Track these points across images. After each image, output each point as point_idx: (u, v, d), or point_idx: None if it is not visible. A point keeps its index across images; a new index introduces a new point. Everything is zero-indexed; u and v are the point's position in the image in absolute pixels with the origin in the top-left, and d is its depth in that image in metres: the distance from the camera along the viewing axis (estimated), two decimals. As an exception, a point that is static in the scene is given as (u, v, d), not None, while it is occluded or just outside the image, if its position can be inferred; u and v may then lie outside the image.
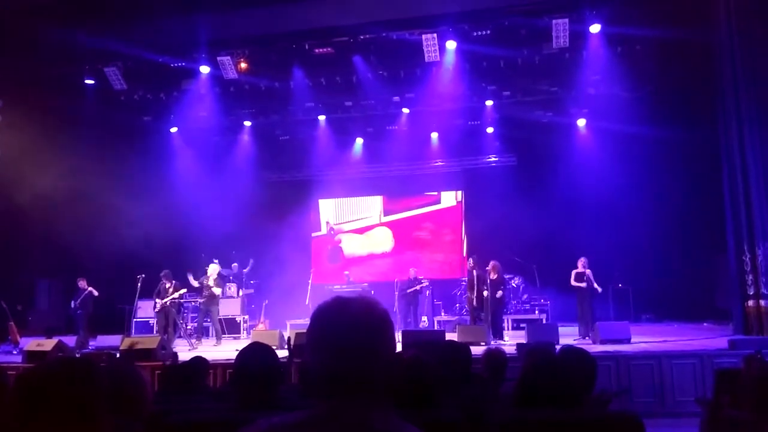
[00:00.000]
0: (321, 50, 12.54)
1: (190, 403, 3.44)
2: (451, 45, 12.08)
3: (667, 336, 10.44)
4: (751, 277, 10.19)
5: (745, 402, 4.95)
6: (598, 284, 11.13)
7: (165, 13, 10.90)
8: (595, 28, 11.71)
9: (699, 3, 10.67)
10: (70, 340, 10.33)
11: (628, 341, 9.42)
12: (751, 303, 10.13)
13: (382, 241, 17.18)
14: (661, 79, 12.91)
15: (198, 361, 4.52)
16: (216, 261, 12.59)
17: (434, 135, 16.15)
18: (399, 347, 8.84)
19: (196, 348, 11.18)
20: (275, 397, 2.55)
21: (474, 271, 11.32)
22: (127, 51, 11.79)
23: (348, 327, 1.41)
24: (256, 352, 2.58)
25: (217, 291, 11.92)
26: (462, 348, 4.45)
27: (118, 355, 9.26)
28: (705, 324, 12.09)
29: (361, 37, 12.15)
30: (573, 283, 11.12)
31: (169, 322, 11.54)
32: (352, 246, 17.33)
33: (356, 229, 17.43)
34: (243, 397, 2.59)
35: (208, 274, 11.98)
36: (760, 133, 10.08)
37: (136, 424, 2.14)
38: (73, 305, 12.15)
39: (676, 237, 13.46)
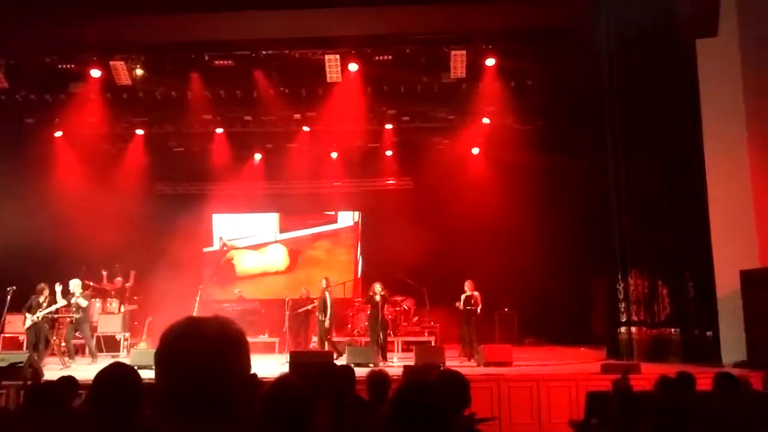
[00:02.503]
0: (221, 62, 12.31)
1: (47, 425, 3.22)
2: (353, 67, 12.19)
3: (546, 360, 10.89)
4: (623, 304, 10.88)
5: (611, 423, 5.25)
6: (483, 308, 11.53)
7: (55, 10, 10.31)
8: (490, 62, 12.21)
9: (582, 43, 11.37)
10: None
11: (510, 364, 9.73)
12: (623, 329, 10.80)
13: (276, 258, 16.94)
14: (551, 112, 13.65)
15: (66, 380, 4.24)
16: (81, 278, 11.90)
17: (334, 155, 16.19)
18: (286, 368, 8.70)
19: (69, 366, 10.48)
20: (134, 421, 2.41)
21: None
22: (10, 48, 11.05)
23: (198, 347, 1.37)
24: (116, 373, 2.44)
25: (83, 304, 11.26)
26: (344, 370, 4.45)
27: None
28: (582, 348, 12.72)
29: (264, 52, 12.04)
30: (461, 306, 11.43)
31: (40, 338, 10.77)
32: (245, 263, 16.97)
33: (250, 245, 17.09)
34: (100, 421, 2.45)
35: (71, 290, 11.31)
36: (634, 167, 10.86)
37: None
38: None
39: (560, 264, 14.14)
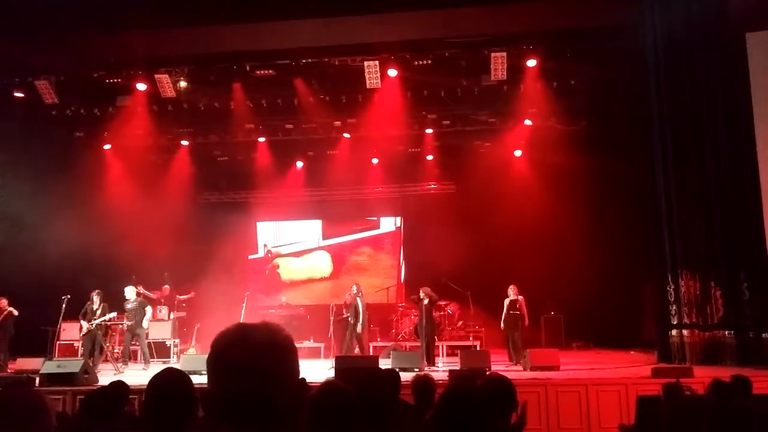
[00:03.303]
0: (262, 72, 12.49)
1: (105, 430, 3.30)
2: (392, 72, 12.22)
3: (594, 364, 10.68)
4: (674, 307, 10.60)
5: (662, 428, 5.10)
6: (529, 312, 11.41)
7: (101, 27, 10.63)
8: (531, 63, 12.08)
9: (626, 41, 11.14)
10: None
11: (557, 368, 9.59)
12: (674, 332, 10.52)
13: (320, 265, 17.06)
14: (595, 113, 13.40)
15: (117, 385, 4.34)
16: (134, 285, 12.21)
17: (375, 160, 16.24)
18: (332, 373, 8.75)
19: (122, 372, 10.75)
20: (187, 426, 2.45)
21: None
22: (59, 64, 11.44)
23: (248, 352, 1.38)
24: (169, 378, 2.49)
25: (148, 311, 11.58)
26: (389, 375, 4.45)
27: (37, 379, 8.85)
28: (632, 352, 12.44)
29: (303, 60, 12.17)
30: (507, 311, 11.36)
31: (95, 345, 11.10)
32: (290, 269, 17.14)
33: (294, 252, 17.26)
34: (154, 426, 2.49)
35: (127, 297, 11.62)
36: (684, 166, 10.58)
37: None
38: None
39: (607, 267, 13.85)
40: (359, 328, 11.75)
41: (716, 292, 10.20)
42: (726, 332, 10.01)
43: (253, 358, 1.38)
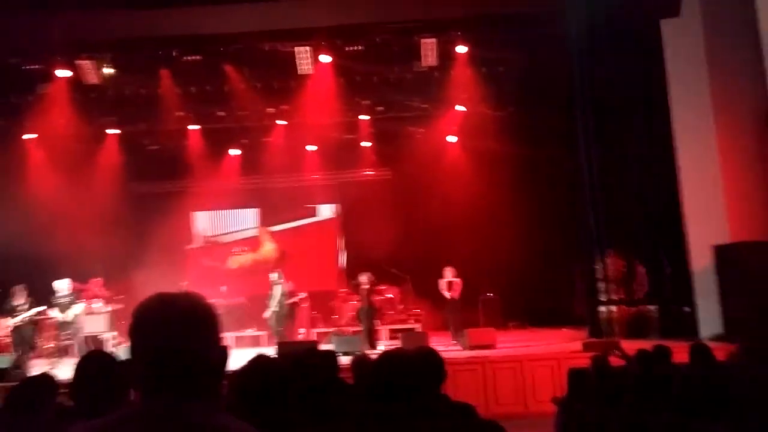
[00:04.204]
0: (190, 58, 12.17)
1: (23, 425, 3.20)
2: (324, 58, 12.14)
3: (529, 341, 11.02)
4: (602, 284, 11.06)
5: (592, 397, 5.32)
6: (467, 293, 11.68)
7: (16, 9, 10.10)
8: (461, 49, 12.23)
9: (552, 28, 11.43)
10: None
11: (494, 347, 9.84)
12: (603, 308, 10.98)
13: (258, 254, 16.87)
14: (522, 99, 13.71)
15: (43, 377, 4.19)
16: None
17: (310, 147, 16.13)
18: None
19: (57, 367, 10.39)
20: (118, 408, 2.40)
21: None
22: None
23: (168, 320, 1.38)
24: (95, 361, 2.44)
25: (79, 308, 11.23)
26: (326, 354, 4.47)
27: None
28: (564, 329, 12.87)
29: (232, 46, 11.94)
30: (445, 292, 11.56)
31: (26, 340, 10.70)
32: (228, 259, 16.87)
33: (232, 242, 17.00)
34: (82, 414, 2.43)
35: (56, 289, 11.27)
36: (607, 149, 11.02)
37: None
38: None
39: (539, 248, 14.24)
40: (270, 316, 11.81)
41: (640, 269, 10.70)
42: (650, 306, 10.54)
43: (173, 324, 1.37)
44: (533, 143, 13.57)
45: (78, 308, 11.29)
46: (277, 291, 11.97)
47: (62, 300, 11.12)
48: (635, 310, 10.69)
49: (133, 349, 1.39)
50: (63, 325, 11.17)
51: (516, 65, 12.69)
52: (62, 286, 11.35)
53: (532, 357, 8.76)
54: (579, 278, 12.78)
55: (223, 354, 1.45)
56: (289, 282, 13.07)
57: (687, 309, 10.21)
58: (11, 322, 10.59)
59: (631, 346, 8.38)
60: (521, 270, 14.28)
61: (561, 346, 9.99)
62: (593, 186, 11.13)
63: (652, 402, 4.15)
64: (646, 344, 7.12)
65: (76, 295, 11.51)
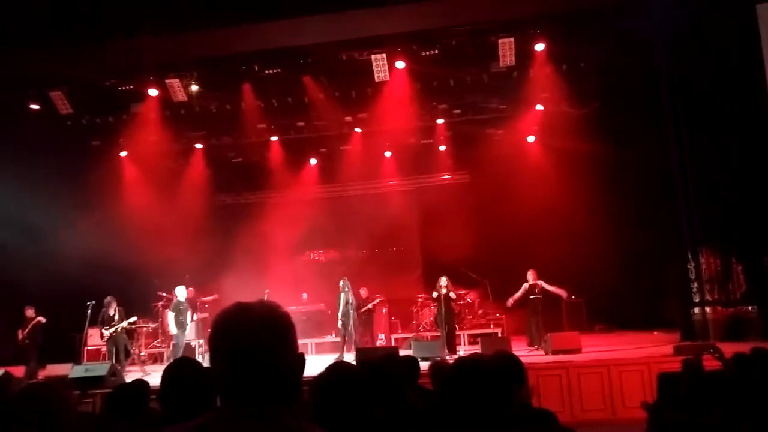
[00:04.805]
0: (270, 71, 12.56)
1: (123, 428, 3.37)
2: (400, 65, 12.22)
3: (617, 345, 10.64)
4: (695, 284, 10.53)
5: (683, 403, 5.09)
6: (548, 297, 11.42)
7: (109, 36, 10.76)
8: (539, 47, 12.01)
9: (636, 24, 11.02)
10: (19, 371, 10.00)
11: (579, 351, 9.56)
12: (696, 310, 10.46)
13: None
14: (606, 95, 13.29)
15: (138, 383, 4.42)
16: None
17: (388, 154, 16.26)
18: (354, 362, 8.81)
19: (149, 374, 10.91)
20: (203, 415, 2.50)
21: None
22: (72, 74, 11.61)
23: (247, 329, 1.43)
24: (183, 368, 2.55)
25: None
26: (407, 361, 4.49)
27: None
28: (655, 333, 12.35)
29: (310, 57, 12.22)
30: (524, 296, 11.37)
31: (120, 349, 11.29)
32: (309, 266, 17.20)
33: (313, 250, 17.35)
34: (174, 416, 2.55)
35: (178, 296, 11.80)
36: (699, 143, 10.49)
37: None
38: (20, 335, 11.77)
39: (627, 248, 13.72)
40: (339, 323, 11.84)
41: (737, 268, 10.14)
42: (749, 307, 9.95)
43: (252, 334, 1.42)
44: (619, 140, 13.05)
45: (193, 315, 11.78)
46: (341, 299, 12.07)
47: (182, 306, 11.59)
48: (732, 311, 10.11)
49: (213, 357, 1.46)
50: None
51: (597, 60, 12.33)
52: (182, 292, 11.83)
53: (620, 361, 8.44)
54: (671, 278, 12.19)
55: (299, 360, 1.50)
56: (363, 288, 13.14)
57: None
58: (107, 332, 11.19)
59: (728, 349, 7.91)
60: (607, 272, 13.78)
61: (651, 350, 9.58)
62: (685, 181, 10.59)
63: (749, 409, 3.92)
64: (745, 347, 6.74)
65: (165, 305, 11.99)
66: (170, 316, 11.33)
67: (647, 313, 13.48)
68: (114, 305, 11.34)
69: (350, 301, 11.92)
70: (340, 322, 11.87)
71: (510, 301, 11.61)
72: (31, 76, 11.62)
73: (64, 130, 13.49)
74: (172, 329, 11.35)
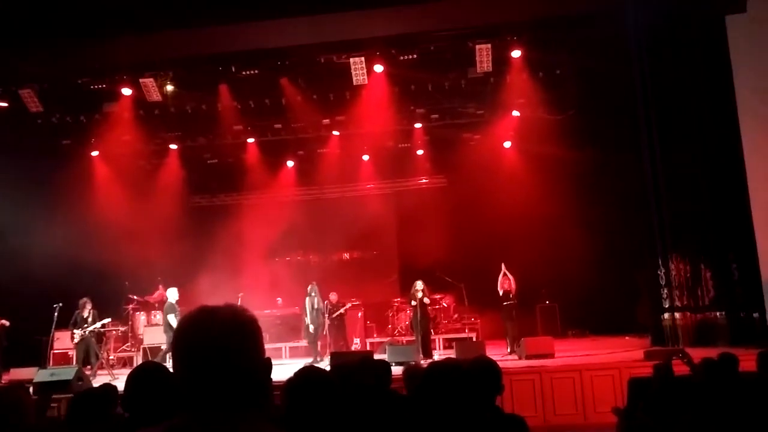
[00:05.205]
0: (247, 72, 12.47)
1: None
2: (378, 68, 12.22)
3: (589, 350, 10.73)
4: (666, 290, 10.67)
5: (653, 407, 5.14)
6: (524, 300, 11.50)
7: (84, 34, 10.59)
8: (516, 53, 12.10)
9: (612, 32, 11.16)
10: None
11: (552, 356, 9.63)
12: (666, 316, 10.59)
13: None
14: (582, 102, 13.43)
15: (104, 388, 4.33)
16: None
17: (365, 157, 16.24)
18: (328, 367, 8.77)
19: (117, 378, 10.73)
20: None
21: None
22: (43, 72, 11.40)
23: (212, 333, 1.40)
24: (148, 372, 2.50)
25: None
26: (380, 365, 4.47)
27: (31, 389, 8.82)
28: (627, 337, 12.49)
29: (288, 59, 12.16)
30: (500, 288, 11.43)
31: (90, 352, 11.09)
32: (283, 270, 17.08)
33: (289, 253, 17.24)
34: (139, 420, 2.50)
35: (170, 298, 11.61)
36: (671, 152, 10.64)
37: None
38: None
39: (600, 254, 13.86)
40: (310, 329, 11.88)
41: (706, 274, 10.28)
42: (717, 313, 10.10)
43: (216, 338, 1.39)
44: (593, 147, 13.23)
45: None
46: (307, 304, 12.07)
47: (178, 308, 11.37)
48: (701, 317, 10.25)
49: (177, 361, 1.42)
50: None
51: (574, 68, 12.48)
52: (174, 294, 11.63)
53: (592, 366, 8.51)
54: (641, 284, 12.35)
55: (266, 365, 1.46)
56: (333, 293, 13.09)
57: (756, 315, 9.75)
58: (78, 333, 10.98)
59: (696, 354, 8.02)
60: (581, 277, 13.90)
61: (622, 355, 9.68)
62: (656, 188, 10.73)
63: (717, 414, 3.97)
64: (713, 353, 6.84)
65: (135, 308, 11.76)
66: (170, 317, 11.10)
67: (619, 319, 13.61)
68: (89, 307, 11.16)
69: (317, 306, 11.93)
70: (311, 327, 11.84)
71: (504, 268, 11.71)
72: (0, 73, 11.38)
73: (33, 129, 13.24)
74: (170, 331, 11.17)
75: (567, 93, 13.33)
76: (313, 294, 12.12)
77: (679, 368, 5.69)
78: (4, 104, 12.42)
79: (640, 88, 11.06)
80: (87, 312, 11.08)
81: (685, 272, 10.38)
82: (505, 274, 11.57)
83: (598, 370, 8.30)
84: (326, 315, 12.30)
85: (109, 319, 11.45)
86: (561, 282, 14.11)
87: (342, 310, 12.79)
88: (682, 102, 10.63)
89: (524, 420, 2.56)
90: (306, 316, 12.07)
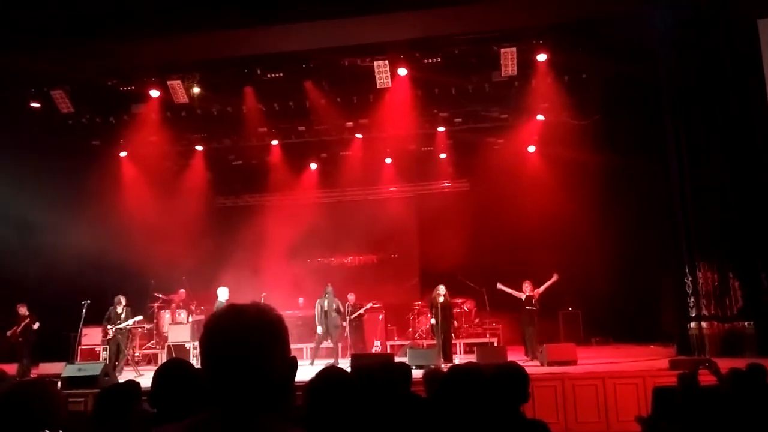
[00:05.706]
0: (272, 75, 12.57)
1: (113, 426, 3.35)
2: (402, 72, 12.23)
3: (613, 358, 10.61)
4: (692, 299, 10.50)
5: (677, 417, 5.08)
6: (548, 307, 11.40)
7: (113, 36, 10.76)
8: (541, 57, 12.03)
9: (638, 36, 11.04)
10: (12, 368, 9.96)
11: (574, 363, 9.54)
12: (693, 325, 10.42)
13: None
14: (608, 107, 13.30)
15: (128, 384, 4.39)
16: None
17: (388, 160, 16.26)
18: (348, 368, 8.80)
19: (142, 375, 10.87)
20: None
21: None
22: (74, 74, 11.62)
23: (238, 333, 1.41)
24: (174, 369, 2.53)
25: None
26: (400, 368, 4.46)
27: (59, 383, 8.98)
28: (651, 346, 12.33)
29: (312, 62, 12.24)
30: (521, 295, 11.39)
31: (121, 348, 11.29)
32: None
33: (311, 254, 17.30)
34: (164, 416, 2.53)
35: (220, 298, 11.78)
36: (698, 157, 10.48)
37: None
38: (10, 333, 11.72)
39: (625, 261, 13.73)
40: (322, 330, 11.92)
41: (735, 283, 10.10)
42: (746, 323, 9.91)
43: (243, 336, 1.40)
44: (619, 151, 13.05)
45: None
46: (317, 306, 12.06)
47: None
48: (729, 326, 10.06)
49: (204, 359, 1.44)
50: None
51: (600, 72, 12.36)
52: (224, 294, 11.83)
53: (616, 374, 8.41)
54: (668, 292, 12.16)
55: (291, 365, 1.48)
56: (351, 294, 13.09)
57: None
58: (112, 331, 11.17)
59: (723, 365, 7.90)
60: (605, 284, 13.76)
61: (646, 364, 9.55)
62: (683, 195, 10.57)
63: (744, 425, 3.91)
64: (740, 363, 6.73)
65: (160, 306, 11.91)
66: None
67: (643, 327, 13.43)
68: (123, 304, 11.35)
69: (326, 308, 11.93)
70: (319, 329, 11.87)
71: (500, 285, 11.55)
72: (33, 74, 11.61)
73: (64, 129, 13.49)
74: None
75: (592, 97, 13.22)
76: (325, 296, 12.14)
77: (705, 378, 5.60)
78: (37, 105, 12.69)
79: (666, 93, 10.92)
80: (121, 309, 11.27)
81: (713, 280, 10.21)
82: (530, 296, 11.47)
83: (622, 378, 8.20)
84: (347, 316, 12.30)
85: (141, 317, 11.61)
86: (584, 288, 13.97)
87: (361, 311, 12.81)
88: (710, 107, 10.47)
89: (547, 425, 2.55)
90: (323, 317, 12.05)
